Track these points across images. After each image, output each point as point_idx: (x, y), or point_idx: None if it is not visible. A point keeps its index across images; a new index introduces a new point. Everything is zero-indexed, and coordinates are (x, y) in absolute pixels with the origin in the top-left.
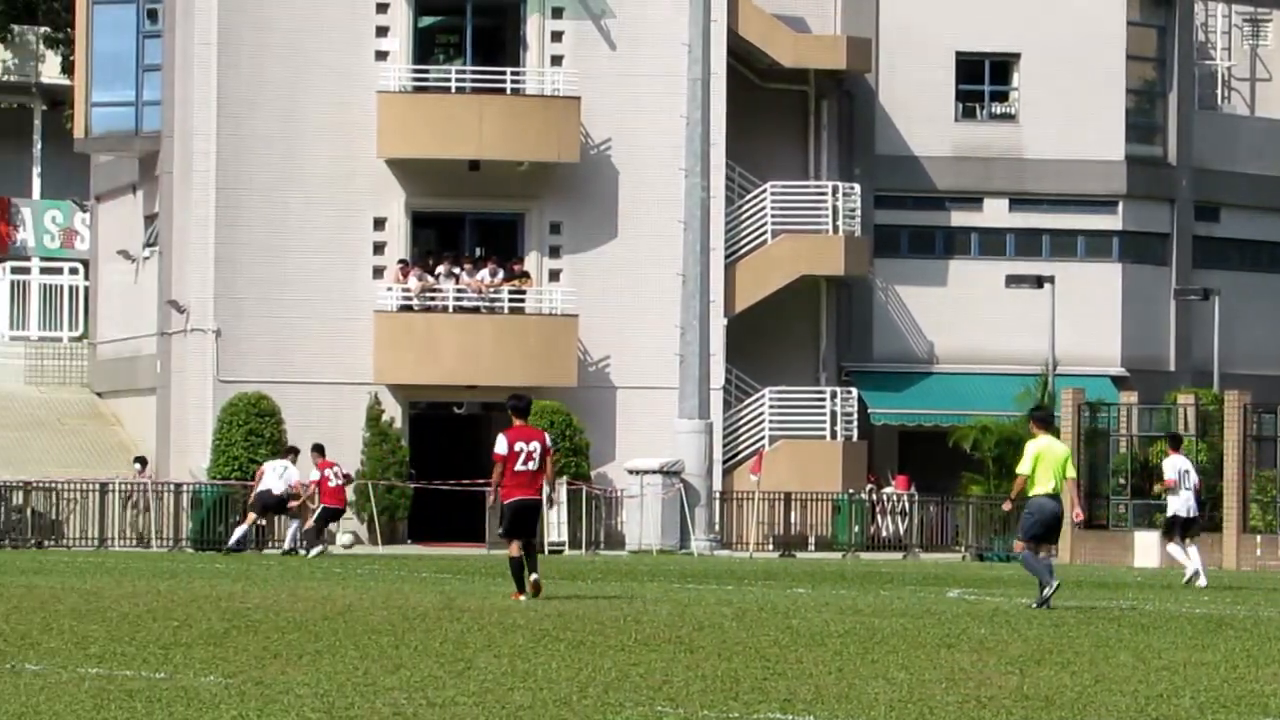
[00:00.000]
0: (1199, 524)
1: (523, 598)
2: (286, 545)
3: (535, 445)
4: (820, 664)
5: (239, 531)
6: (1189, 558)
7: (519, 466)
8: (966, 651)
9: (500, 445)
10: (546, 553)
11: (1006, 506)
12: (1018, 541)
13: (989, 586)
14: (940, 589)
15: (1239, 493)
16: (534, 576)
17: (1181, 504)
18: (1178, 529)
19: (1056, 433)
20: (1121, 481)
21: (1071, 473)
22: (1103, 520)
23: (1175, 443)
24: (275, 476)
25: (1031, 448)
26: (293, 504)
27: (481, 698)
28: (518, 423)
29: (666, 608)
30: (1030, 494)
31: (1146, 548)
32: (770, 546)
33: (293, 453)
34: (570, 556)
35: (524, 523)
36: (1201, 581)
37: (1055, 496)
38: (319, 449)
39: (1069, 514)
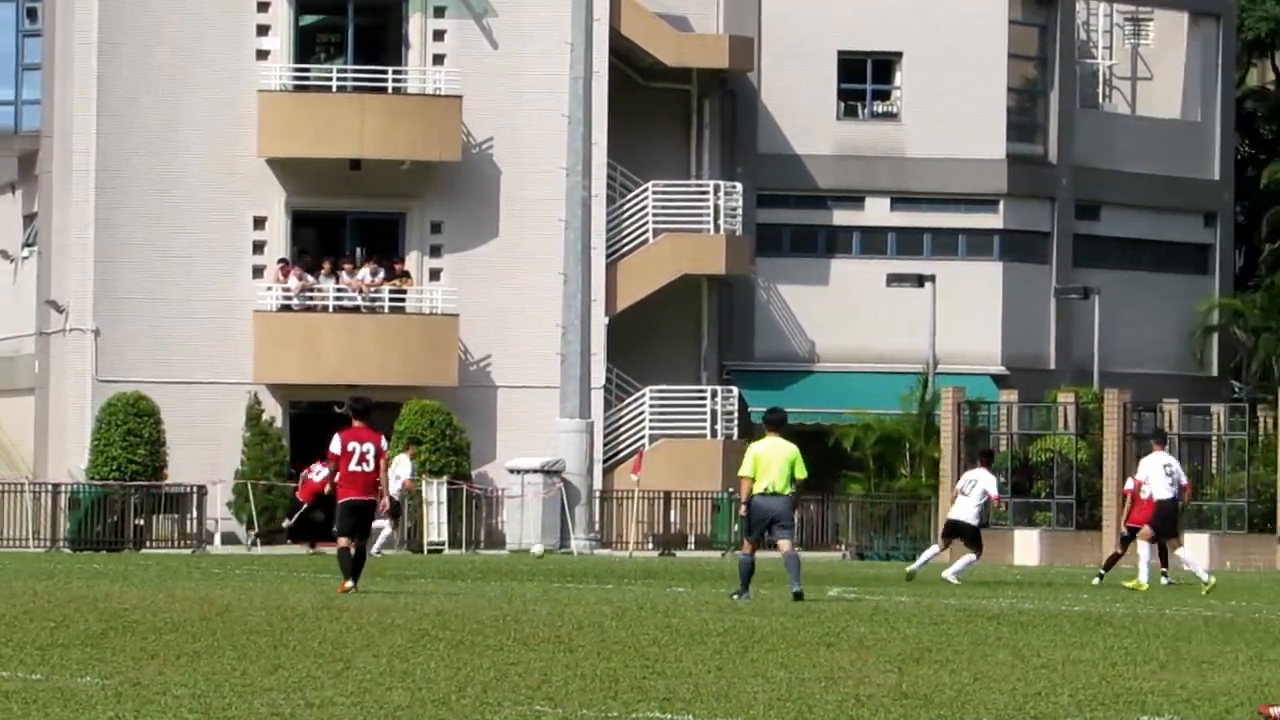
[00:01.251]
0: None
1: (350, 584)
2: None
3: (369, 447)
4: (699, 662)
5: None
6: (927, 558)
7: (352, 466)
8: (846, 650)
9: (334, 445)
10: (426, 553)
11: (743, 511)
12: (746, 541)
13: (869, 585)
14: (820, 587)
15: (1118, 490)
16: (349, 584)
17: (959, 509)
18: (951, 532)
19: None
20: (1001, 480)
21: (801, 473)
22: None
23: (987, 459)
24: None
25: (752, 449)
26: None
27: (360, 698)
28: (357, 424)
29: (546, 607)
30: (753, 493)
31: (1026, 546)
32: (650, 545)
33: (413, 444)
34: (450, 555)
35: (355, 522)
36: (915, 568)
37: (774, 495)
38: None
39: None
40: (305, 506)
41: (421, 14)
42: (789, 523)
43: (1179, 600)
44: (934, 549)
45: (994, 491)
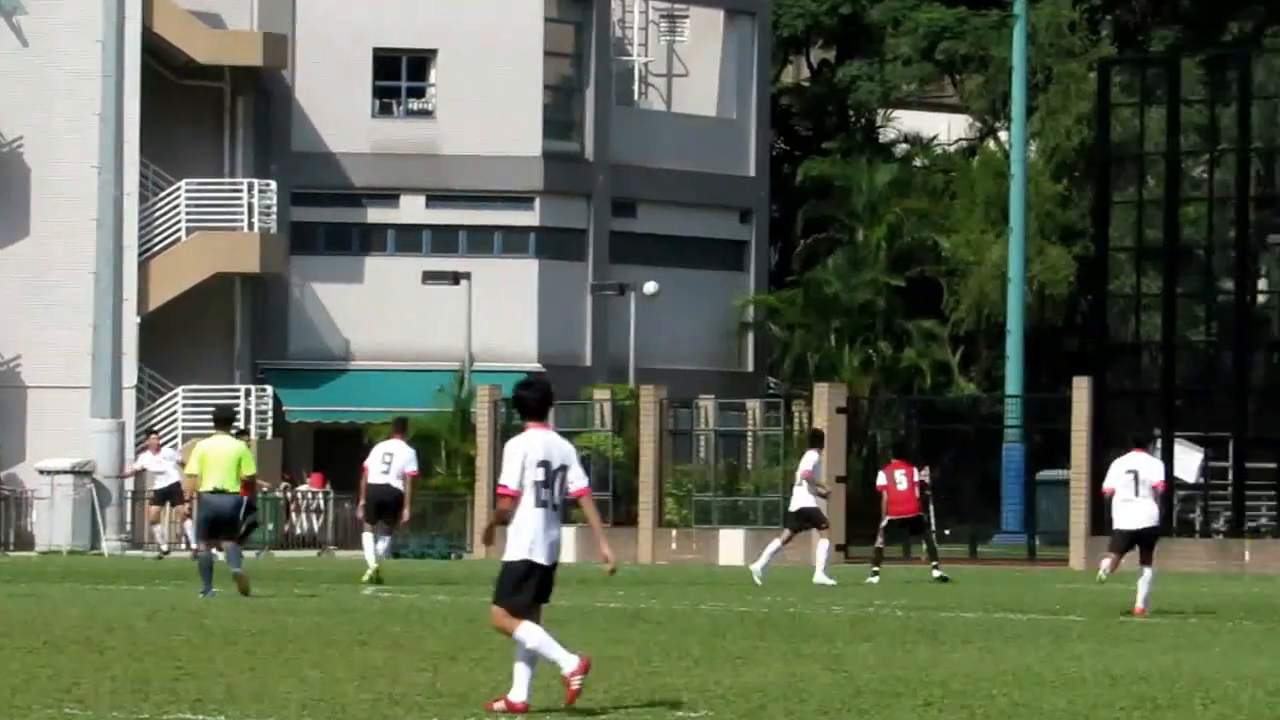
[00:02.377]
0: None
1: None
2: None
3: None
4: (233, 663)
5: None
6: (772, 555)
7: None
8: (380, 649)
9: None
10: None
11: (172, 505)
12: (198, 541)
13: (404, 583)
14: (355, 586)
15: (655, 487)
16: None
17: (799, 498)
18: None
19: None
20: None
21: (249, 469)
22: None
23: (816, 440)
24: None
25: (198, 448)
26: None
27: None
28: None
29: (76, 609)
30: (201, 490)
31: (565, 543)
32: (184, 546)
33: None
34: None
35: None
36: (761, 565)
37: (223, 493)
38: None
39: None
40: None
41: None
42: (236, 521)
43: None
44: (777, 544)
45: (809, 467)
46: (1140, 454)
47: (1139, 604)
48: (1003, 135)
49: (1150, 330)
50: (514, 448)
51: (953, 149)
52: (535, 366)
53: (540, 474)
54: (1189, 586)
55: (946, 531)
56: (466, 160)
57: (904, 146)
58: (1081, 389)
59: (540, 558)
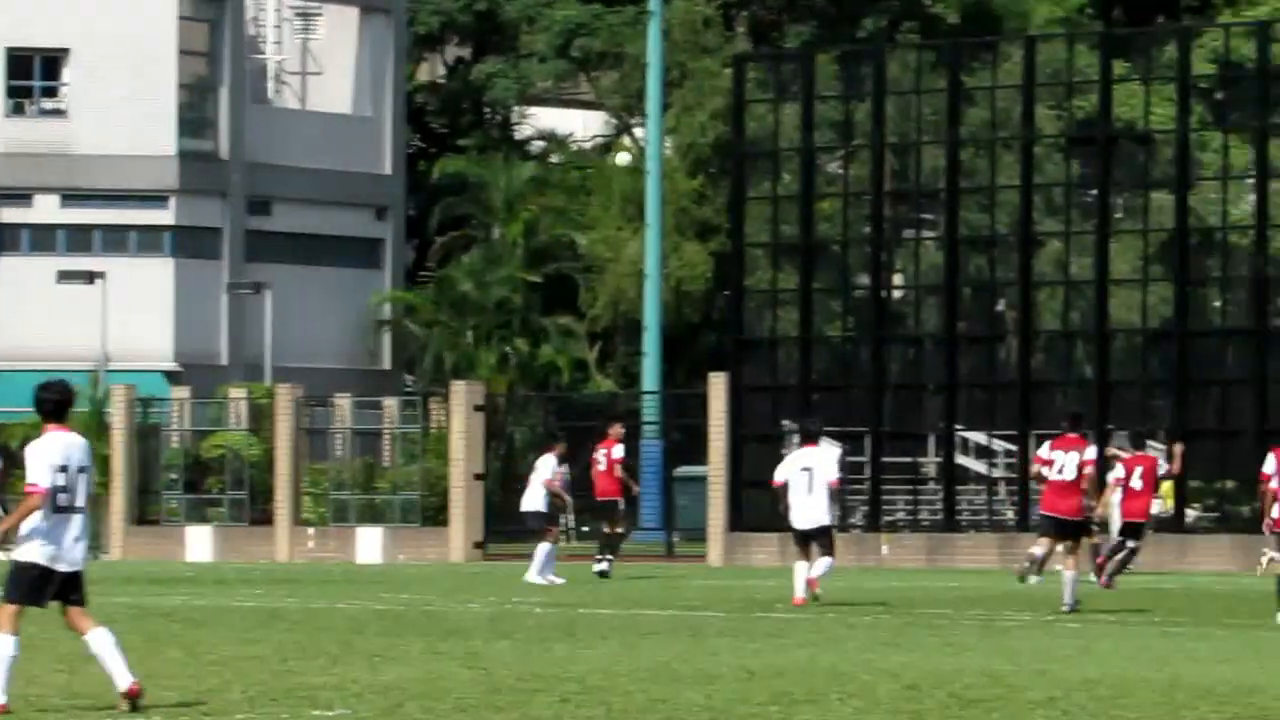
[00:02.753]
0: None
1: None
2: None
3: None
4: None
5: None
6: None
7: None
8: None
9: None
10: None
11: None
12: None
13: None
14: None
15: (291, 485)
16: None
17: (529, 500)
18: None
19: None
20: (174, 477)
21: None
22: (155, 516)
23: (553, 443)
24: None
25: None
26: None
27: None
28: None
29: None
30: None
31: (199, 542)
32: None
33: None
34: None
35: None
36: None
37: None
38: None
39: None
40: None
41: None
42: None
43: (345, 595)
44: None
45: (550, 475)
46: (813, 449)
47: (813, 573)
48: (638, 132)
49: (787, 326)
50: (36, 450)
51: (589, 146)
52: (171, 366)
53: (61, 478)
54: (824, 582)
55: (584, 528)
56: (101, 160)
57: (540, 144)
58: (718, 385)
59: (59, 564)
